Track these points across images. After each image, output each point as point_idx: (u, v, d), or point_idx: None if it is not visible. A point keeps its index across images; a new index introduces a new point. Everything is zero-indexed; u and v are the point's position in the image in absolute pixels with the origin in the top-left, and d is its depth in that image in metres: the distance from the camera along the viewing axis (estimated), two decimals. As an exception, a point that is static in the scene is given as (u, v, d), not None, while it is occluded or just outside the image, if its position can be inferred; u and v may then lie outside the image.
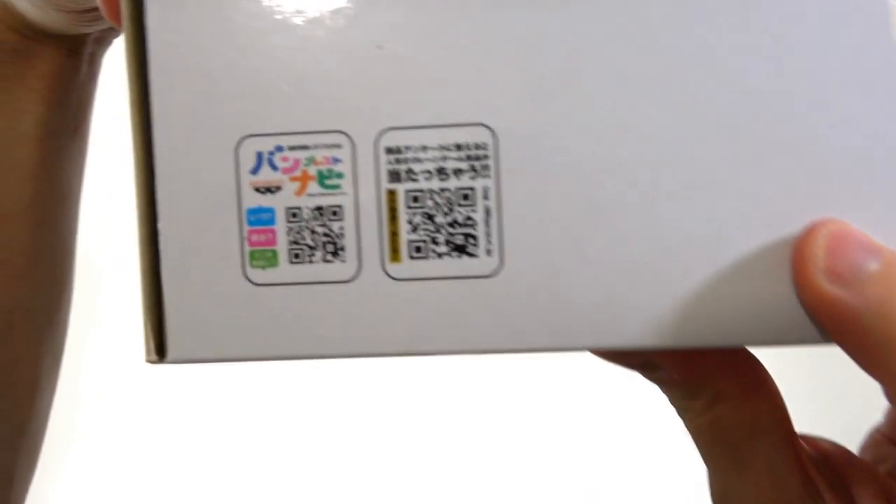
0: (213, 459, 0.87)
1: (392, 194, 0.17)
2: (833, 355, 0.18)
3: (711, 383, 0.20)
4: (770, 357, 0.21)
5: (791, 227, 0.17)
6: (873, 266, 0.16)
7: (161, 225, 0.18)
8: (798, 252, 0.17)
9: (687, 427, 0.21)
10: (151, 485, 0.86)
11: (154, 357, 0.18)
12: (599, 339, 0.18)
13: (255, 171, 0.17)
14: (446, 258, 0.17)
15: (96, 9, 0.28)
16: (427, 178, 0.17)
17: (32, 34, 0.30)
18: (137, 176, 0.18)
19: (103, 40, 0.32)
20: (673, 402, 0.22)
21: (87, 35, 0.31)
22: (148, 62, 0.17)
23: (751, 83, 0.17)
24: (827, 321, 0.17)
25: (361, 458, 0.86)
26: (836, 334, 0.17)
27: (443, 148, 0.17)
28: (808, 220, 0.17)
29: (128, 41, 0.18)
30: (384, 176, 0.17)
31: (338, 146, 0.17)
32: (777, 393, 0.21)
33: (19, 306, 0.31)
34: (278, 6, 0.17)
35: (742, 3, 0.17)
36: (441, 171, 0.17)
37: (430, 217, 0.17)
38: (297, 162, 0.17)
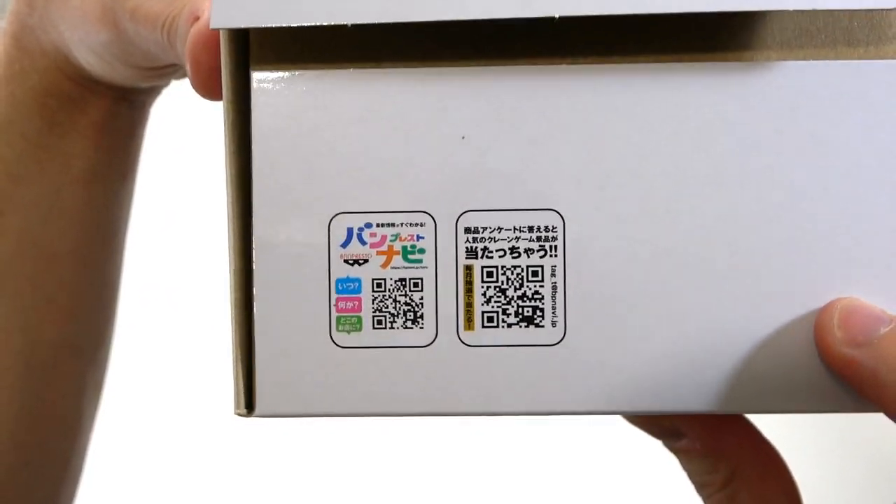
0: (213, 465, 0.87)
1: (468, 269, 0.19)
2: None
3: (730, 460, 0.22)
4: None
5: (821, 304, 0.19)
6: (883, 329, 0.19)
7: (256, 290, 0.19)
8: (817, 325, 0.19)
9: (704, 501, 0.23)
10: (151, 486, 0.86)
11: (243, 411, 0.20)
12: (652, 405, 0.19)
13: (345, 244, 0.19)
14: (515, 328, 0.19)
15: (164, 66, 0.29)
16: (501, 256, 0.19)
17: (89, 84, 0.31)
18: (234, 242, 0.19)
19: (155, 90, 0.33)
20: (692, 475, 0.23)
21: (141, 86, 0.32)
22: (252, 143, 0.19)
23: (793, 180, 0.19)
24: (850, 380, 0.19)
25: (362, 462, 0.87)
26: (860, 391, 0.19)
27: (516, 229, 0.19)
28: (835, 297, 0.19)
29: (229, 124, 0.19)
30: (462, 253, 0.19)
31: (421, 224, 0.19)
32: (791, 479, 0.23)
33: (66, 343, 0.32)
34: (372, 99, 0.19)
35: (790, 109, 0.19)
36: (513, 250, 0.19)
37: (503, 291, 0.19)
38: (383, 238, 0.19)
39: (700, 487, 0.23)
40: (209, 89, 0.22)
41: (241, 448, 0.89)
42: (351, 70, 0.19)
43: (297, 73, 0.19)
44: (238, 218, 0.20)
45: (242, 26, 0.19)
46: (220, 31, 0.19)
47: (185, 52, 0.22)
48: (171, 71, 0.30)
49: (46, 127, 0.31)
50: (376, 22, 0.18)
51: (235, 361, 0.20)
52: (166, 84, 0.33)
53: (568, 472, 0.88)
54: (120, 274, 0.35)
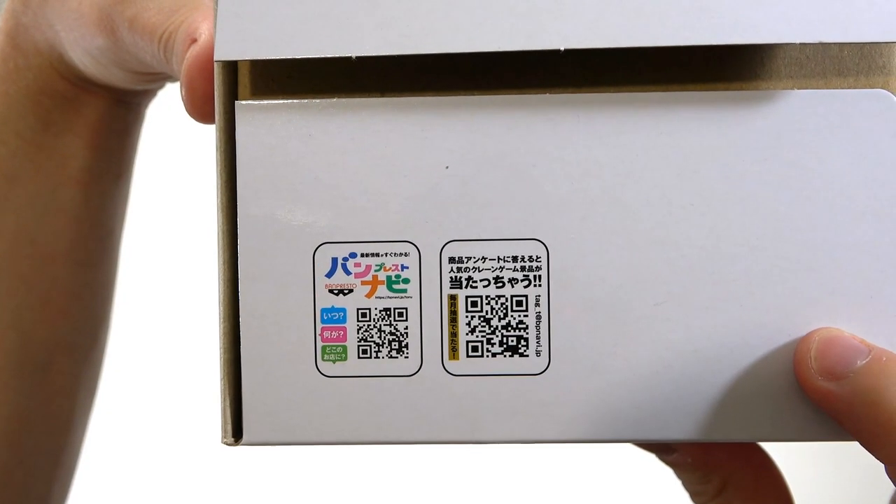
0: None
1: (453, 299, 0.19)
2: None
3: (722, 470, 0.22)
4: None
5: (803, 334, 0.19)
6: (860, 362, 0.19)
7: (242, 319, 0.19)
8: (796, 356, 0.19)
9: None
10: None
11: (230, 440, 0.20)
12: (636, 433, 0.19)
13: (329, 274, 0.19)
14: (500, 357, 0.19)
15: (159, 73, 0.29)
16: (485, 286, 0.19)
17: (83, 83, 0.31)
18: (223, 273, 0.20)
19: (150, 92, 0.33)
20: (686, 485, 0.24)
21: (136, 88, 0.32)
22: (237, 173, 0.19)
23: (776, 210, 0.19)
24: (827, 412, 0.19)
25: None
26: (838, 422, 0.19)
27: (500, 259, 0.19)
28: (817, 327, 0.19)
29: (220, 152, 0.19)
30: (446, 282, 0.19)
31: (405, 254, 0.19)
32: (784, 485, 0.23)
33: (60, 342, 0.33)
34: (356, 128, 0.19)
35: (773, 139, 0.19)
36: (497, 280, 0.19)
37: (487, 321, 0.19)
38: (368, 267, 0.19)
39: (694, 496, 0.24)
40: (203, 115, 0.22)
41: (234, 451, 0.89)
42: (335, 99, 0.19)
43: (281, 102, 0.19)
44: (228, 249, 0.20)
45: (247, 58, 0.19)
46: (215, 73, 0.19)
47: (180, 72, 0.22)
48: (165, 77, 0.30)
49: (41, 126, 0.31)
50: (383, 54, 0.18)
51: (223, 391, 0.20)
52: (161, 87, 0.33)
53: (564, 480, 0.88)
54: (115, 274, 0.35)
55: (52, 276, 0.32)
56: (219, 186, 0.19)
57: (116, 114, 0.32)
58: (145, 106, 0.33)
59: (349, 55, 0.18)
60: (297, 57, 0.18)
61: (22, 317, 0.32)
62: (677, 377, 0.19)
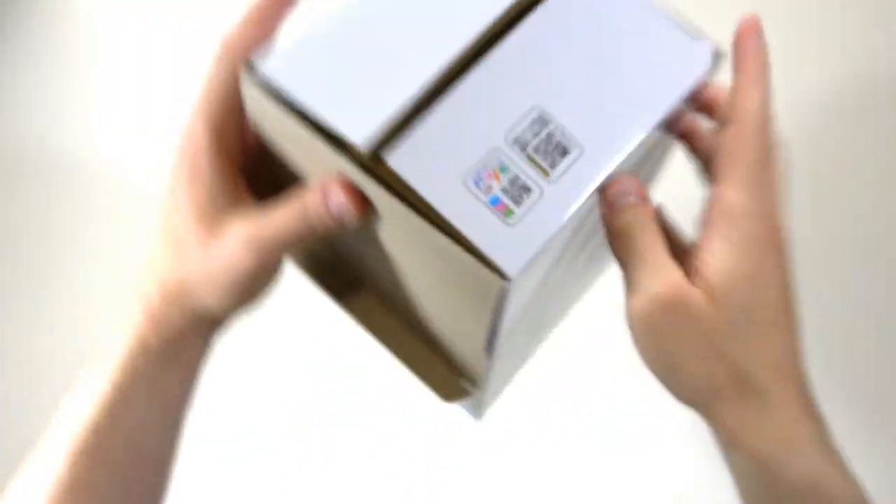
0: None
1: (528, 155, 0.39)
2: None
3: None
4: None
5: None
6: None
7: (467, 233, 0.38)
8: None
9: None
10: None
11: (503, 279, 0.38)
12: None
13: (477, 185, 0.39)
14: (563, 160, 0.40)
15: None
16: (534, 137, 0.39)
17: (204, 325, 0.40)
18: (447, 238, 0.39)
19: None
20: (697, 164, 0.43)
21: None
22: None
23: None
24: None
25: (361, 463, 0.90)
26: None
27: (530, 124, 0.39)
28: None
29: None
30: (519, 150, 0.39)
31: (497, 154, 0.39)
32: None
33: None
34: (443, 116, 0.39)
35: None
36: (535, 133, 0.40)
37: (546, 150, 0.39)
38: (489, 172, 0.39)
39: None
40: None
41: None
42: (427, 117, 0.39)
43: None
44: None
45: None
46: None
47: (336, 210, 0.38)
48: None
49: (160, 373, 0.40)
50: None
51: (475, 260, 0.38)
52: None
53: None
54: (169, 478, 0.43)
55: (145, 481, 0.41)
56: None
57: (209, 343, 0.41)
58: None
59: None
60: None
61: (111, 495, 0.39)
62: None
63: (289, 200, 0.38)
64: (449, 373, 0.46)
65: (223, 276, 0.37)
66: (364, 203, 0.38)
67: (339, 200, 0.37)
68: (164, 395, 0.40)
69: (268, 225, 0.37)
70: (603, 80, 0.39)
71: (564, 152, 0.40)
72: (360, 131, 0.36)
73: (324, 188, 0.37)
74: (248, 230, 0.37)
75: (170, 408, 0.40)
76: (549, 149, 0.39)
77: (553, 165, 0.39)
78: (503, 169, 0.39)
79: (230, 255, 0.37)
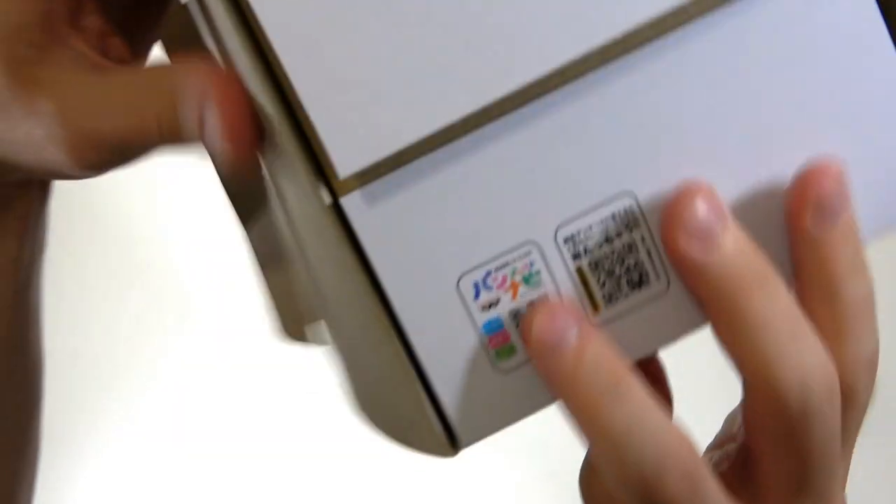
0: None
1: (580, 269, 0.23)
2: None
3: None
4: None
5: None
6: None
7: (423, 360, 0.23)
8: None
9: None
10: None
11: (450, 451, 0.24)
12: None
13: (476, 297, 0.23)
14: (632, 295, 0.23)
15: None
16: (599, 248, 0.23)
17: (13, 181, 0.30)
18: (392, 338, 0.23)
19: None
20: None
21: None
22: (369, 258, 0.22)
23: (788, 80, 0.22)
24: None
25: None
26: None
27: (602, 221, 0.23)
28: None
29: (344, 250, 0.22)
30: (569, 259, 0.23)
31: (529, 253, 0.22)
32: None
33: None
34: (446, 178, 0.22)
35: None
36: (608, 239, 0.23)
37: (611, 272, 0.23)
38: (504, 278, 0.23)
39: None
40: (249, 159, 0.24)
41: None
42: (425, 158, 0.22)
43: (377, 184, 0.22)
44: (384, 317, 0.23)
45: (370, 163, 0.21)
46: (308, 183, 0.22)
47: (215, 137, 0.23)
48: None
49: None
50: (479, 108, 0.21)
51: (429, 413, 0.23)
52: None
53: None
54: (42, 351, 0.35)
55: None
56: (351, 263, 0.22)
57: (42, 199, 0.32)
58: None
59: (466, 113, 0.21)
60: (414, 140, 0.21)
61: None
62: None
63: (152, 81, 0.25)
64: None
65: (11, 151, 0.26)
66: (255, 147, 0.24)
67: (218, 129, 0.23)
68: None
69: (96, 115, 0.25)
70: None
71: (639, 282, 0.23)
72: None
73: (202, 96, 0.23)
74: (63, 116, 0.25)
75: None
76: (619, 269, 0.23)
77: (611, 298, 0.23)
78: (529, 278, 0.23)
79: (31, 144, 0.26)
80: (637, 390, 0.22)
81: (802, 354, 0.22)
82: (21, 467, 0.35)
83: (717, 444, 0.27)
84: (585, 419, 0.22)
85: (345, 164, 0.21)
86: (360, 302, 0.23)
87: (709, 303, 0.23)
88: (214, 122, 0.23)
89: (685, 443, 0.23)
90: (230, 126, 0.23)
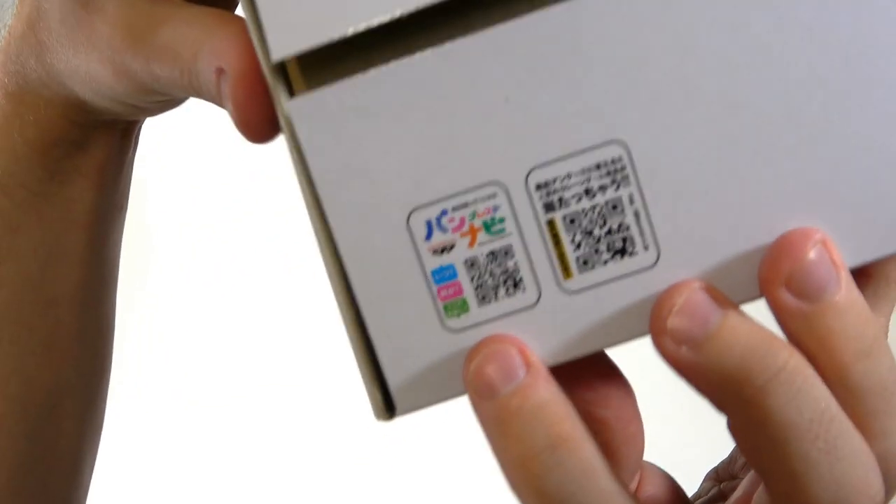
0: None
1: (551, 223, 0.20)
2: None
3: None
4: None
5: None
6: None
7: (362, 306, 0.20)
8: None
9: None
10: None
11: (385, 415, 0.21)
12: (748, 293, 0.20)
13: (428, 237, 0.20)
14: (611, 263, 0.20)
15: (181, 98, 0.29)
16: (577, 201, 0.20)
17: (91, 122, 0.30)
18: (332, 268, 0.20)
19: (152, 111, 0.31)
20: None
21: (149, 117, 0.31)
22: (311, 174, 0.20)
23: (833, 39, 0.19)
24: None
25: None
26: None
27: (584, 171, 0.19)
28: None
29: (298, 166, 0.20)
30: (540, 209, 0.20)
31: (493, 196, 0.20)
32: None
33: (64, 386, 0.33)
34: (408, 91, 0.19)
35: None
36: (588, 192, 0.19)
37: (589, 233, 0.20)
38: (462, 220, 0.20)
39: None
40: (264, 137, 0.22)
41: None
42: (379, 69, 0.19)
43: (326, 90, 0.19)
44: (328, 247, 0.20)
45: (305, 48, 0.19)
46: (269, 78, 0.20)
47: (227, 106, 0.22)
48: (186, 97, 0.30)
49: (48, 175, 0.31)
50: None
51: (364, 374, 0.20)
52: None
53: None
54: (114, 312, 0.35)
55: (56, 320, 0.32)
56: (303, 187, 0.20)
57: (123, 147, 0.32)
58: (141, 126, 0.33)
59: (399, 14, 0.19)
60: (351, 32, 0.19)
61: (25, 363, 0.32)
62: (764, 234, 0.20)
63: (191, 20, 0.24)
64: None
65: (83, 86, 0.27)
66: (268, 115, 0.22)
67: (233, 114, 0.22)
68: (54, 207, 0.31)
69: (141, 52, 0.25)
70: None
71: (622, 250, 0.20)
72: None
73: (219, 70, 0.22)
74: (114, 43, 0.25)
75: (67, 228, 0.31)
76: (599, 230, 0.20)
77: (587, 263, 0.20)
78: (491, 224, 0.20)
79: (88, 63, 0.26)
80: (582, 450, 0.20)
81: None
82: (88, 431, 0.34)
83: None
84: (516, 478, 0.20)
85: (280, 44, 0.19)
86: (314, 228, 0.20)
87: (721, 406, 0.20)
88: (230, 104, 0.22)
89: None
90: (245, 122, 0.22)
